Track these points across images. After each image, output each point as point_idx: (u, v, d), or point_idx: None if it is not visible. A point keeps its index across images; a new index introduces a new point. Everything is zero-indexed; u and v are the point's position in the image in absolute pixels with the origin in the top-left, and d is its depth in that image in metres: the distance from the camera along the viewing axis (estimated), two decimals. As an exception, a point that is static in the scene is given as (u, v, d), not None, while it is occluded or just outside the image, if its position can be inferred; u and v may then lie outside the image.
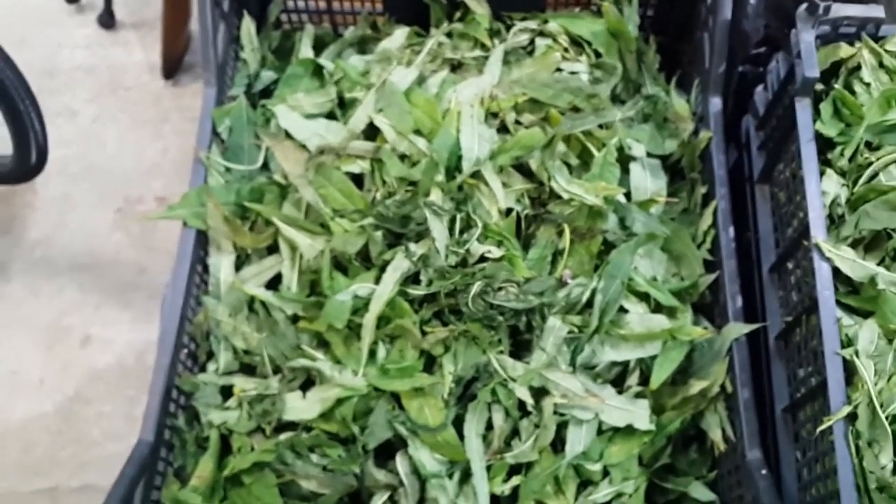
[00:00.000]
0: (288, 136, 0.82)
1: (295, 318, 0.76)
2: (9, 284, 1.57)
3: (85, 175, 1.69)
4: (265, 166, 0.84)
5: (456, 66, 0.86)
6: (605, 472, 0.71)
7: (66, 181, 1.68)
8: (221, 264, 0.80)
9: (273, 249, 0.80)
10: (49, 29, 1.86)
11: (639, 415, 0.71)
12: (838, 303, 0.66)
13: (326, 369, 0.73)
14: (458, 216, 0.75)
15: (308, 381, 0.76)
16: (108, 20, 1.86)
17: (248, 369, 0.78)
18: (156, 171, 1.68)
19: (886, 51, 0.74)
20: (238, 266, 0.81)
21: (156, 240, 1.60)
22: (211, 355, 0.79)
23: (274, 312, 0.77)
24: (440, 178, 0.76)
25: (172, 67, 1.78)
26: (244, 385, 0.76)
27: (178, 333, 0.75)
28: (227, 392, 0.77)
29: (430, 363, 0.73)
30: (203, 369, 0.79)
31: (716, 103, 0.80)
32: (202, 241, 0.80)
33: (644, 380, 0.73)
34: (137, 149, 1.72)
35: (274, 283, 0.80)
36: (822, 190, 0.68)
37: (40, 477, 1.32)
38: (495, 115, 0.81)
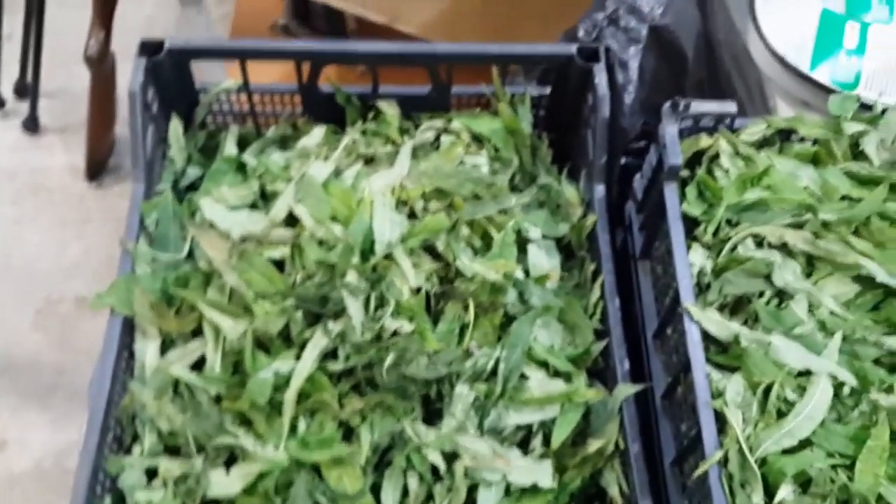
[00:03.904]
0: (212, 226, 0.88)
1: (218, 399, 0.80)
2: (-77, 387, 1.53)
3: (4, 277, 1.70)
4: (190, 255, 0.89)
5: (369, 160, 0.94)
6: (514, 531, 0.76)
7: (-15, 283, 1.67)
8: (147, 349, 0.84)
9: (197, 333, 0.85)
10: (-29, 134, 1.88)
11: (542, 474, 0.76)
12: (710, 361, 0.74)
13: (249, 445, 0.77)
14: (373, 295, 0.82)
15: (232, 459, 0.79)
16: (32, 125, 1.90)
17: (173, 450, 0.81)
18: (77, 271, 1.70)
19: (741, 140, 0.85)
20: (163, 351, 0.85)
21: (76, 340, 1.61)
22: (136, 438, 0.82)
23: (198, 394, 0.81)
24: (355, 260, 0.83)
25: (97, 170, 1.82)
26: (169, 465, 0.79)
27: (105, 417, 0.78)
28: (151, 474, 0.80)
29: (348, 434, 0.78)
30: (128, 452, 0.81)
31: (599, 190, 0.90)
32: (128, 327, 0.84)
33: (547, 442, 0.79)
34: (59, 249, 1.75)
35: (198, 366, 0.83)
36: (690, 262, 0.78)
37: None
38: (405, 202, 0.89)
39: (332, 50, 0.95)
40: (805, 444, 0.67)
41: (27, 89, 1.86)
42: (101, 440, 0.77)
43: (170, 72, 0.93)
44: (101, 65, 1.64)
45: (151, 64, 0.91)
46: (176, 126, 0.96)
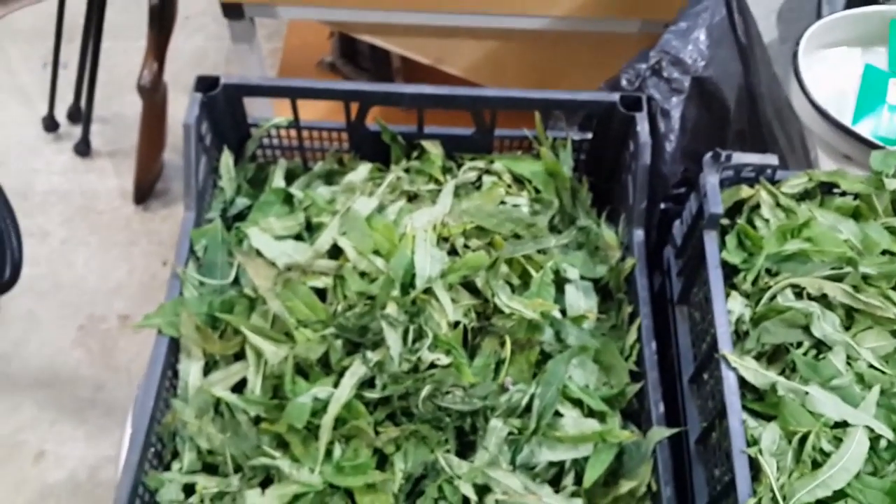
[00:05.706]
0: (259, 254, 0.91)
1: (257, 420, 0.82)
2: (-33, 399, 1.58)
3: (51, 294, 1.75)
4: (236, 281, 0.92)
5: (412, 197, 0.96)
6: (543, 568, 0.76)
7: (32, 299, 1.73)
8: (191, 369, 0.86)
9: (240, 356, 0.87)
10: (27, 155, 1.96)
11: (573, 512, 0.77)
12: (746, 408, 0.74)
13: (285, 467, 0.78)
14: (412, 327, 0.83)
15: (267, 480, 0.81)
16: (84, 149, 1.96)
17: (211, 469, 0.83)
18: (121, 290, 1.74)
19: (782, 192, 0.86)
20: (206, 372, 0.87)
21: (115, 358, 1.65)
22: (176, 455, 0.84)
23: (238, 414, 0.83)
24: (396, 293, 0.85)
25: (144, 194, 1.87)
26: (206, 483, 0.81)
27: (148, 433, 0.80)
28: (189, 490, 0.82)
29: (382, 461, 0.79)
30: (168, 468, 0.83)
31: (639, 234, 0.91)
32: (174, 348, 0.87)
33: (578, 480, 0.80)
34: (105, 269, 1.79)
35: (239, 388, 0.86)
36: (728, 309, 0.78)
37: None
38: (446, 239, 0.91)
39: (380, 91, 0.98)
40: (840, 495, 0.67)
41: (80, 115, 1.93)
42: (142, 455, 0.79)
43: (223, 106, 0.97)
44: (154, 94, 1.70)
45: (207, 99, 0.94)
46: (227, 158, 1.00)
